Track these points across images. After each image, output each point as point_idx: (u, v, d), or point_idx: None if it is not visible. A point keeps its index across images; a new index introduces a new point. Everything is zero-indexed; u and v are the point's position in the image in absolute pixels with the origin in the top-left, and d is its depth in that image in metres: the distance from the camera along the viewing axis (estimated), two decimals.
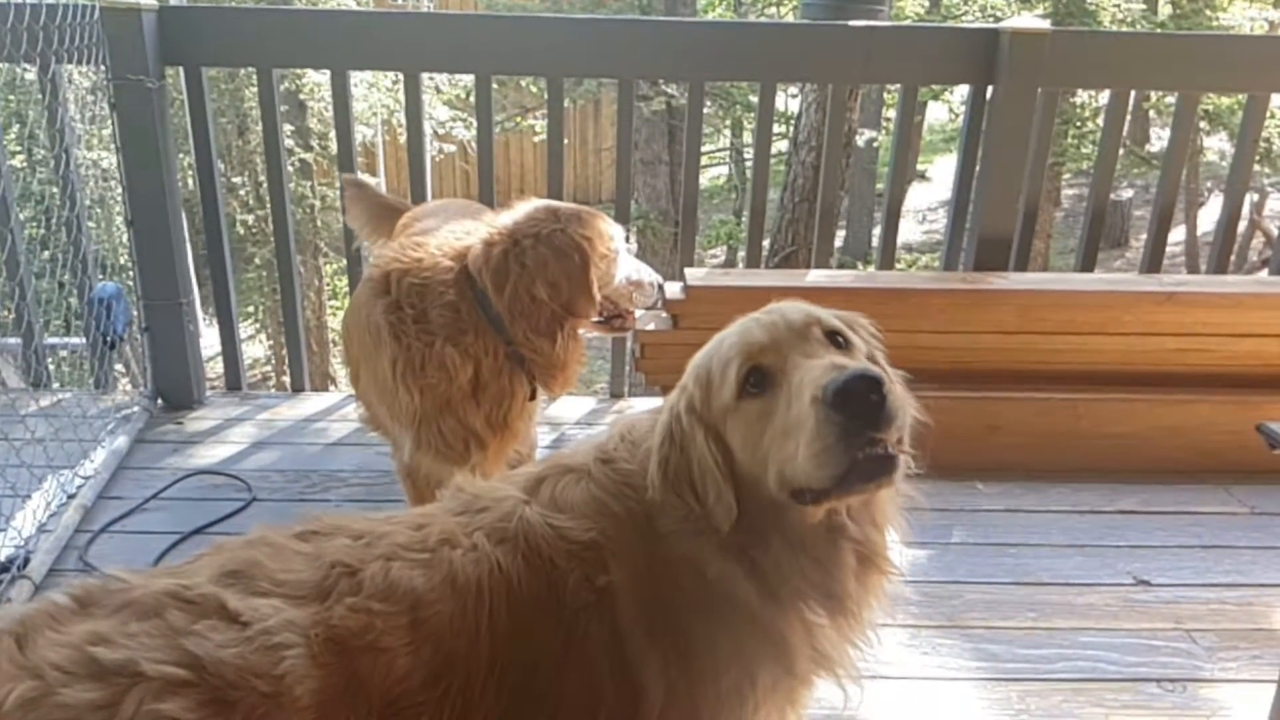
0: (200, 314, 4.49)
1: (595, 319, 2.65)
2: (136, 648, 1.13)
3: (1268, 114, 4.90)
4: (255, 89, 4.21)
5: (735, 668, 1.52)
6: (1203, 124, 12.02)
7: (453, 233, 2.60)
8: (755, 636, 1.54)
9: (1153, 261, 4.13)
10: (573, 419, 3.97)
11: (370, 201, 3.46)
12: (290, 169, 8.26)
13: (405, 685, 1.26)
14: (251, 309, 11.79)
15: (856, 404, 1.37)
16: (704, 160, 14.25)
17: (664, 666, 1.46)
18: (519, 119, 14.25)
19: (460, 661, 1.31)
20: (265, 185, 4.96)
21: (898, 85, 4.17)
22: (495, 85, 4.19)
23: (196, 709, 1.11)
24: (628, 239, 2.71)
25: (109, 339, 3.80)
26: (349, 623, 1.23)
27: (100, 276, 3.98)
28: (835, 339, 1.55)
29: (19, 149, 5.08)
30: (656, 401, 4.01)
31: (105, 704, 1.09)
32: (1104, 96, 4.77)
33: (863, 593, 1.68)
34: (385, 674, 1.24)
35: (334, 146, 4.38)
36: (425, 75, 4.48)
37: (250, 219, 10.44)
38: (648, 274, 2.71)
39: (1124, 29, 9.49)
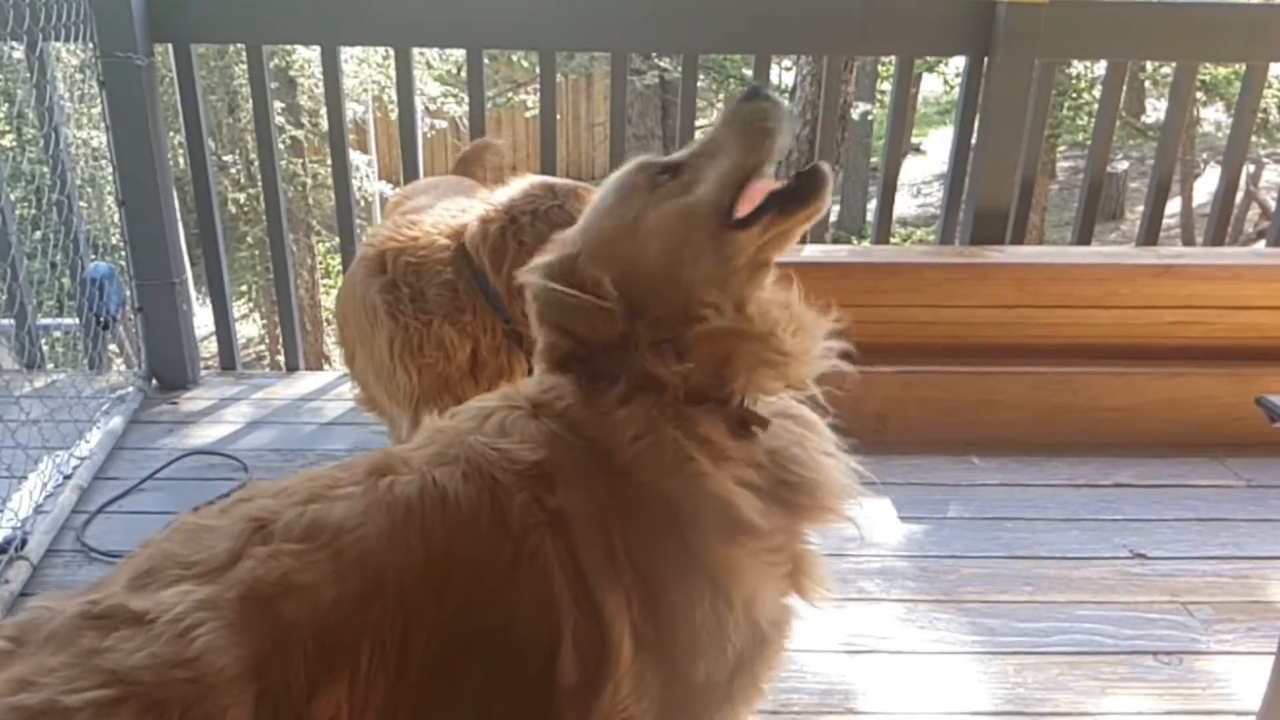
0: (193, 293, 4.48)
1: None
2: (56, 683, 1.10)
3: (1265, 84, 4.89)
4: (245, 66, 4.18)
5: (707, 596, 1.42)
6: (1199, 95, 12.00)
7: (448, 210, 2.58)
8: (723, 560, 1.44)
9: (1150, 234, 4.12)
10: None
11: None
12: (281, 146, 8.22)
13: (336, 614, 1.21)
14: (244, 288, 11.77)
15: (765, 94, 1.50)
16: (698, 134, 14.17)
17: (627, 602, 1.38)
18: (511, 94, 14.18)
19: (392, 579, 1.27)
20: (256, 163, 4.94)
21: (893, 57, 4.14)
22: (486, 60, 4.16)
23: (132, 711, 1.09)
24: None
25: (102, 319, 3.79)
26: (260, 573, 1.20)
27: (92, 256, 3.95)
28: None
29: (8, 128, 5.06)
30: None
31: None
32: (1100, 68, 4.74)
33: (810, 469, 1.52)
34: (311, 609, 1.20)
35: (325, 123, 4.35)
36: (416, 51, 4.44)
37: (242, 197, 10.41)
38: None
39: None
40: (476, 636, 1.31)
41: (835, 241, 11.96)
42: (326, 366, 10.14)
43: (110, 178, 3.80)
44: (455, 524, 1.33)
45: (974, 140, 3.98)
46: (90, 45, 3.56)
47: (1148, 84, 14.93)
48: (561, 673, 1.34)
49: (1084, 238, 4.13)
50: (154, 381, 3.97)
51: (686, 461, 1.42)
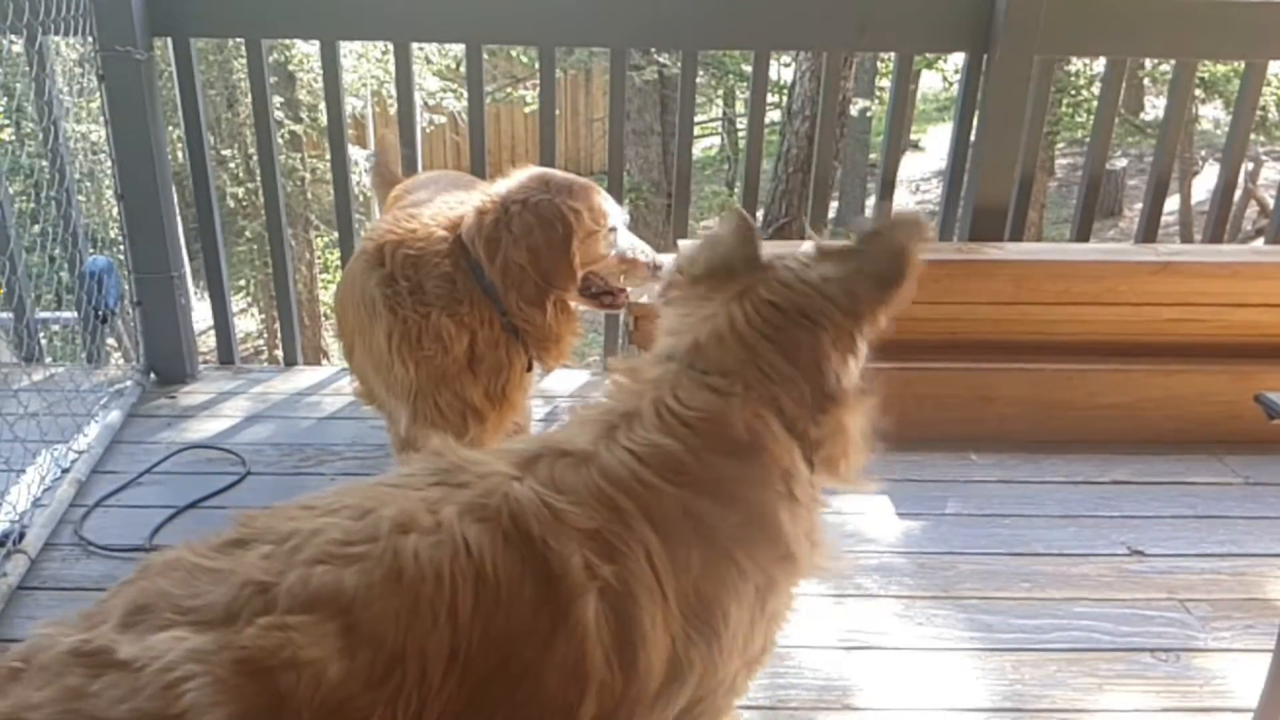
0: (192, 288, 4.47)
1: (584, 293, 2.61)
2: (50, 712, 1.08)
3: (1264, 82, 4.89)
4: (244, 60, 4.18)
5: (748, 616, 1.46)
6: (1198, 92, 12.00)
7: (446, 203, 2.58)
8: (771, 583, 1.49)
9: (1148, 231, 4.12)
10: (566, 392, 3.96)
11: (388, 177, 3.39)
12: (280, 141, 8.21)
13: (342, 690, 1.16)
14: (243, 282, 11.77)
15: None
16: (697, 130, 14.19)
17: (669, 636, 1.37)
18: (510, 89, 14.18)
19: (414, 656, 1.21)
20: (255, 158, 4.94)
21: (892, 54, 4.14)
22: (486, 55, 4.15)
23: None
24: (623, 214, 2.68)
25: (100, 313, 3.78)
26: (261, 642, 1.13)
27: (91, 250, 3.95)
28: None
29: (7, 122, 5.04)
30: None
31: None
32: (1099, 64, 4.74)
33: None
34: (314, 685, 1.14)
35: (324, 118, 4.35)
36: (415, 45, 4.44)
37: (241, 192, 10.41)
38: (645, 254, 2.66)
39: None
40: (499, 706, 1.27)
41: (834, 237, 11.95)
42: (325, 361, 10.14)
43: (109, 172, 3.79)
44: (491, 602, 1.26)
45: (973, 137, 3.97)
46: (89, 39, 3.55)
47: (1147, 81, 14.94)
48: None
49: (1083, 235, 4.13)
50: (152, 376, 3.96)
51: (779, 488, 1.48)
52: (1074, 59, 11.50)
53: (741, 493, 1.47)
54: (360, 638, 1.18)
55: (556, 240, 2.43)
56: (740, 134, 14.55)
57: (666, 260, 3.60)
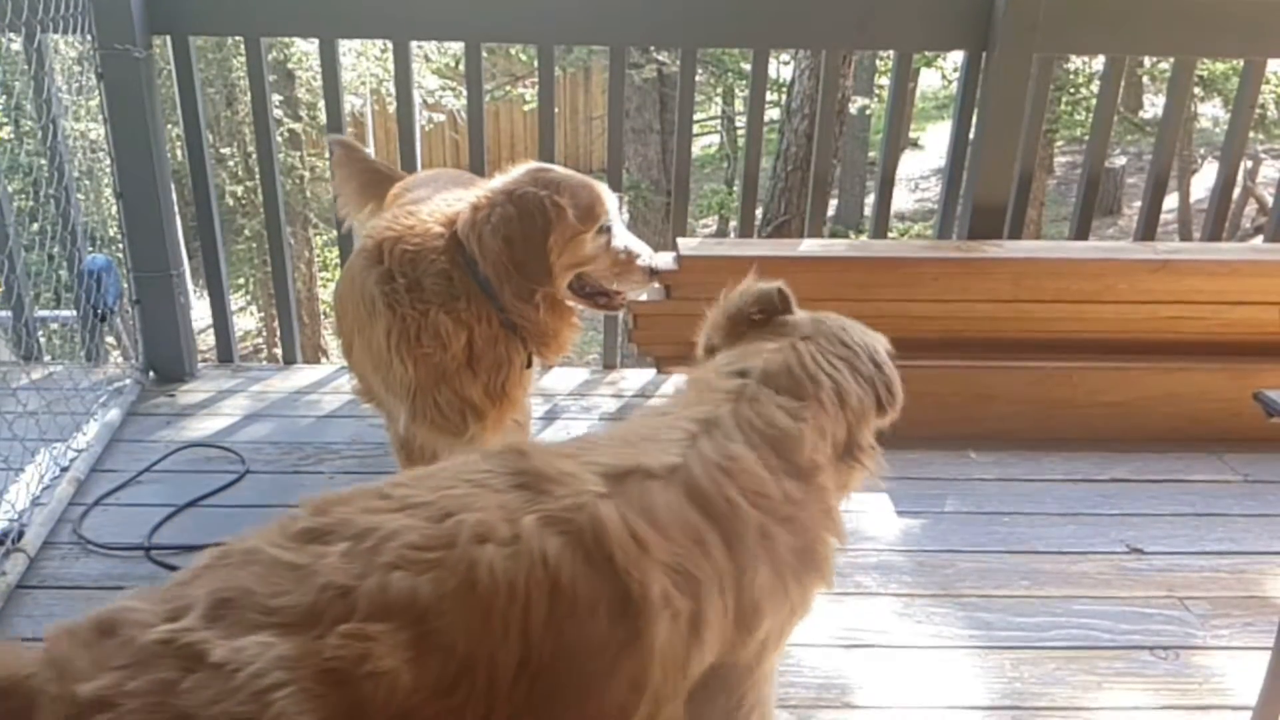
0: (191, 286, 4.46)
1: (577, 293, 2.58)
2: (134, 711, 1.11)
3: (1263, 80, 4.88)
4: (243, 58, 4.18)
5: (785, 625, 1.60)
6: (1197, 90, 12.00)
7: (445, 200, 2.57)
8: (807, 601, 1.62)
9: (1147, 229, 4.12)
10: (565, 390, 3.96)
11: (360, 166, 3.37)
12: (279, 139, 8.20)
13: (414, 699, 1.19)
14: (242, 281, 11.77)
15: None
16: (696, 129, 14.19)
17: (730, 652, 1.50)
18: (509, 88, 14.17)
19: (483, 664, 1.24)
20: (254, 156, 4.93)
21: (891, 52, 4.14)
22: (485, 53, 4.15)
23: None
24: (621, 211, 2.65)
25: (99, 311, 3.78)
26: (342, 652, 1.17)
27: (90, 249, 3.95)
28: None
29: (6, 121, 5.05)
30: (650, 373, 4.02)
31: None
32: (1098, 63, 4.73)
33: None
34: (389, 694, 1.18)
35: (323, 116, 4.35)
36: (414, 44, 4.44)
37: (240, 190, 10.41)
38: (642, 257, 2.58)
39: None
40: (563, 713, 1.31)
41: (833, 236, 11.98)
42: (324, 359, 10.14)
43: (108, 170, 3.78)
44: (565, 615, 1.29)
45: (972, 135, 3.98)
46: (88, 37, 3.55)
47: (1146, 79, 14.93)
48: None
49: (1082, 233, 4.12)
50: (151, 374, 3.96)
51: (826, 517, 1.61)
52: (1073, 57, 11.50)
53: (804, 520, 1.56)
54: (432, 647, 1.21)
55: (534, 234, 2.39)
56: (739, 132, 14.54)
57: (666, 259, 3.61)
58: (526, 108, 14.35)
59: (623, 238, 2.58)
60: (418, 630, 1.21)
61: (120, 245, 3.88)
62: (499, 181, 2.51)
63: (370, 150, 11.19)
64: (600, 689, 1.32)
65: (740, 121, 14.79)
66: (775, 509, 1.51)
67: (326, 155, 4.17)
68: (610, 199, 2.56)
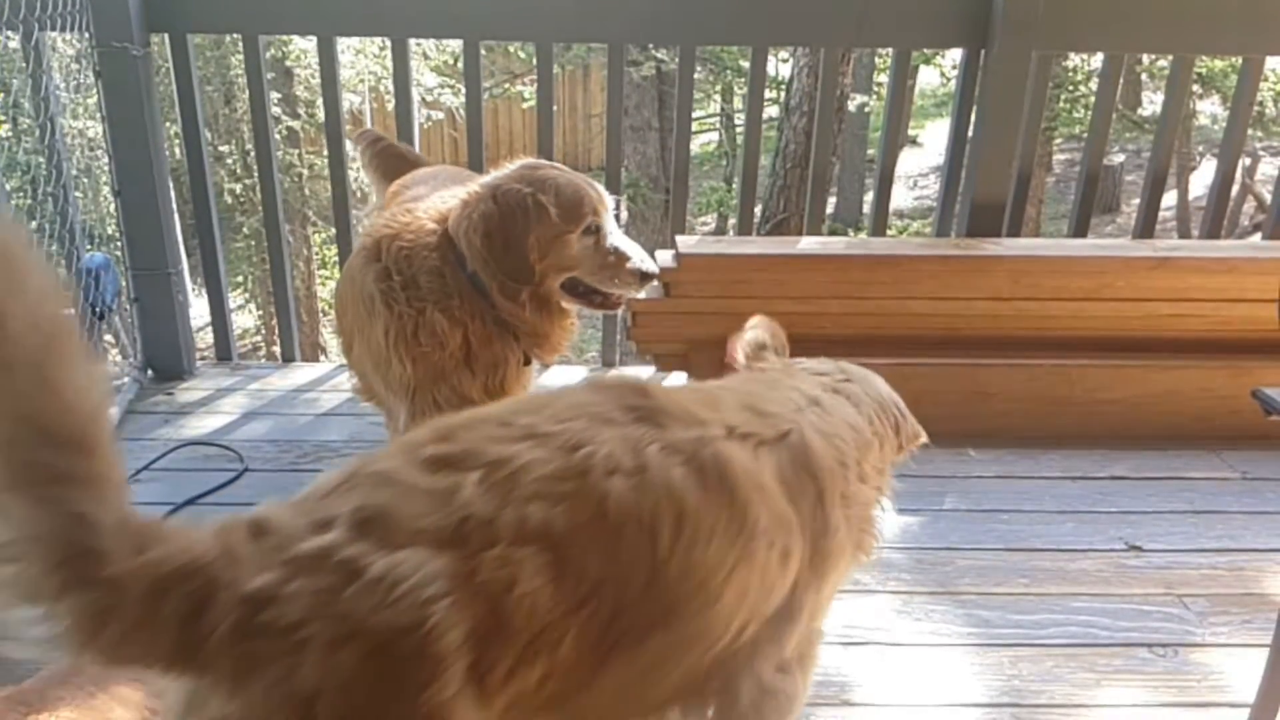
0: (189, 284, 4.46)
1: (571, 293, 2.54)
2: (299, 608, 1.18)
3: (1262, 77, 4.87)
4: (241, 56, 4.18)
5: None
6: (1196, 87, 12.00)
7: (441, 197, 2.56)
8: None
9: (1146, 226, 4.12)
10: None
11: (380, 149, 3.35)
12: (278, 137, 8.20)
13: (552, 614, 1.30)
14: (241, 279, 11.76)
15: None
16: (695, 126, 14.19)
17: (803, 590, 1.66)
18: (507, 85, 14.17)
19: (612, 585, 1.36)
20: (253, 154, 4.93)
21: (890, 49, 4.14)
22: (483, 51, 4.15)
23: (366, 659, 1.18)
24: (617, 213, 2.62)
25: (98, 310, 3.78)
26: (491, 574, 1.27)
27: (88, 247, 3.94)
28: None
29: (3, 118, 5.03)
30: (649, 371, 4.02)
31: (287, 654, 1.17)
32: (1097, 60, 4.74)
33: None
34: (530, 612, 1.28)
35: (321, 114, 4.35)
36: (413, 41, 4.43)
37: (238, 188, 10.40)
38: (635, 260, 2.53)
39: None
40: (683, 624, 1.44)
41: (832, 233, 11.96)
42: (322, 357, 10.12)
43: (106, 168, 3.78)
44: (690, 538, 1.41)
45: (971, 133, 3.98)
46: (86, 35, 3.55)
47: (1144, 76, 14.94)
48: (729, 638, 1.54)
49: (1080, 230, 4.13)
50: (150, 372, 3.96)
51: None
52: (1072, 55, 11.50)
53: (864, 496, 1.79)
54: (569, 571, 1.32)
55: (514, 232, 2.36)
56: (738, 130, 14.55)
57: (666, 257, 3.61)
58: (525, 105, 14.34)
59: (614, 239, 2.53)
60: (556, 555, 1.31)
61: (118, 243, 3.88)
62: (489, 178, 2.50)
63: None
64: (713, 603, 1.46)
65: (739, 119, 14.80)
66: (851, 480, 1.73)
67: (325, 154, 4.16)
68: (602, 199, 2.51)
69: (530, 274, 2.42)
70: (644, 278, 2.55)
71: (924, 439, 2.02)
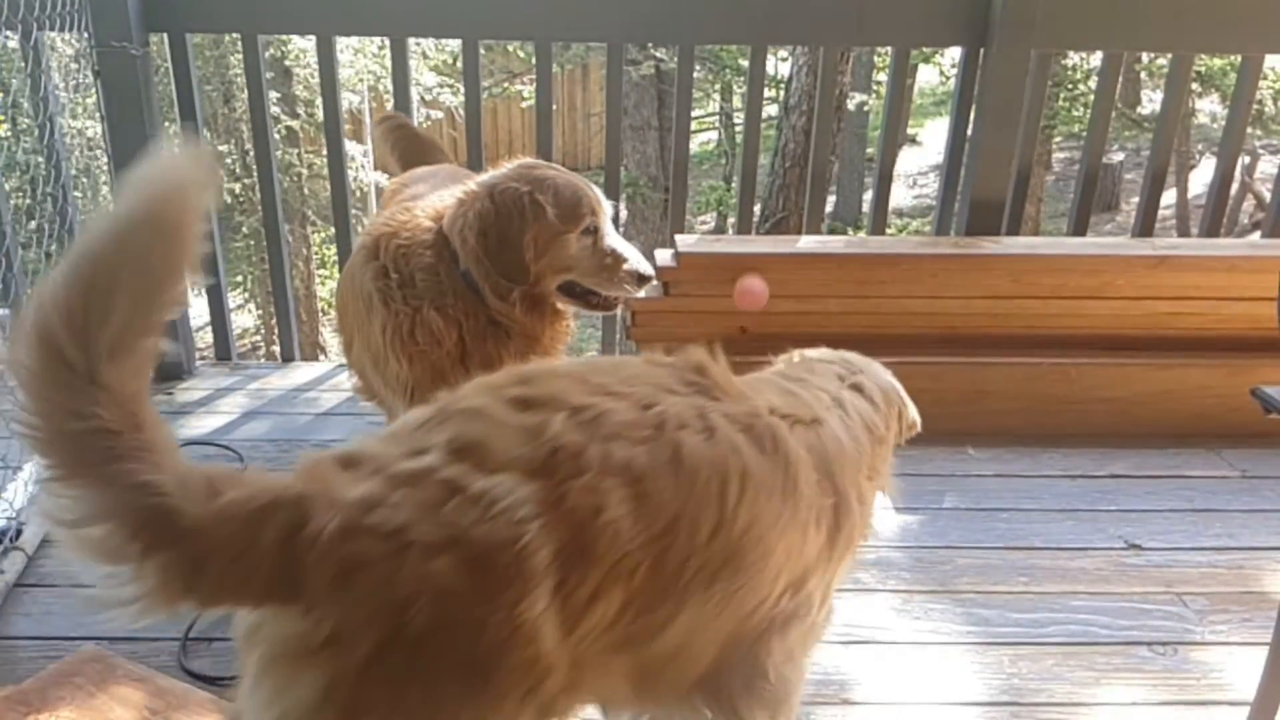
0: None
1: (567, 294, 2.53)
2: (404, 515, 1.27)
3: (1261, 76, 4.87)
4: (240, 56, 4.18)
5: None
6: (1195, 86, 12.00)
7: (439, 196, 2.56)
8: None
9: (1145, 225, 4.12)
10: None
11: (401, 134, 3.35)
12: (277, 137, 8.20)
13: (632, 544, 1.39)
14: (240, 278, 11.76)
15: None
16: (694, 125, 14.19)
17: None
18: (507, 85, 14.17)
19: (686, 523, 1.46)
20: (252, 153, 4.93)
21: (889, 48, 4.13)
22: (482, 51, 4.15)
23: (464, 567, 1.26)
24: (615, 214, 2.62)
25: None
26: (579, 501, 1.36)
27: None
28: None
29: (3, 118, 5.03)
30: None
31: (389, 558, 1.25)
32: (1096, 59, 4.74)
33: None
34: (613, 538, 1.38)
35: (321, 114, 4.35)
36: (412, 41, 4.43)
37: (237, 187, 10.39)
38: (630, 262, 2.52)
39: None
40: (745, 568, 1.55)
41: (831, 232, 11.96)
42: (322, 357, 10.13)
43: (105, 168, 3.78)
44: (753, 494, 1.53)
45: (970, 131, 3.98)
46: (85, 35, 3.54)
47: (1144, 75, 14.94)
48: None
49: (1079, 229, 4.12)
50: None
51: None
52: (1071, 53, 11.50)
53: (871, 493, 1.92)
54: (649, 504, 1.42)
55: (510, 231, 2.35)
56: (738, 129, 14.53)
57: (665, 256, 3.61)
58: (524, 104, 14.33)
59: (611, 240, 2.51)
60: (637, 490, 1.41)
61: None
62: (486, 177, 2.49)
63: (369, 150, 11.20)
64: (768, 556, 1.58)
65: (738, 118, 14.79)
66: (865, 459, 1.85)
67: (324, 153, 4.16)
68: (600, 200, 2.51)
69: (525, 273, 2.41)
70: (641, 279, 2.54)
71: (919, 427, 2.10)
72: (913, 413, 2.10)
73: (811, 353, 2.09)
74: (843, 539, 1.76)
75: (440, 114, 11.98)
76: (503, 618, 1.28)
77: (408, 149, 3.29)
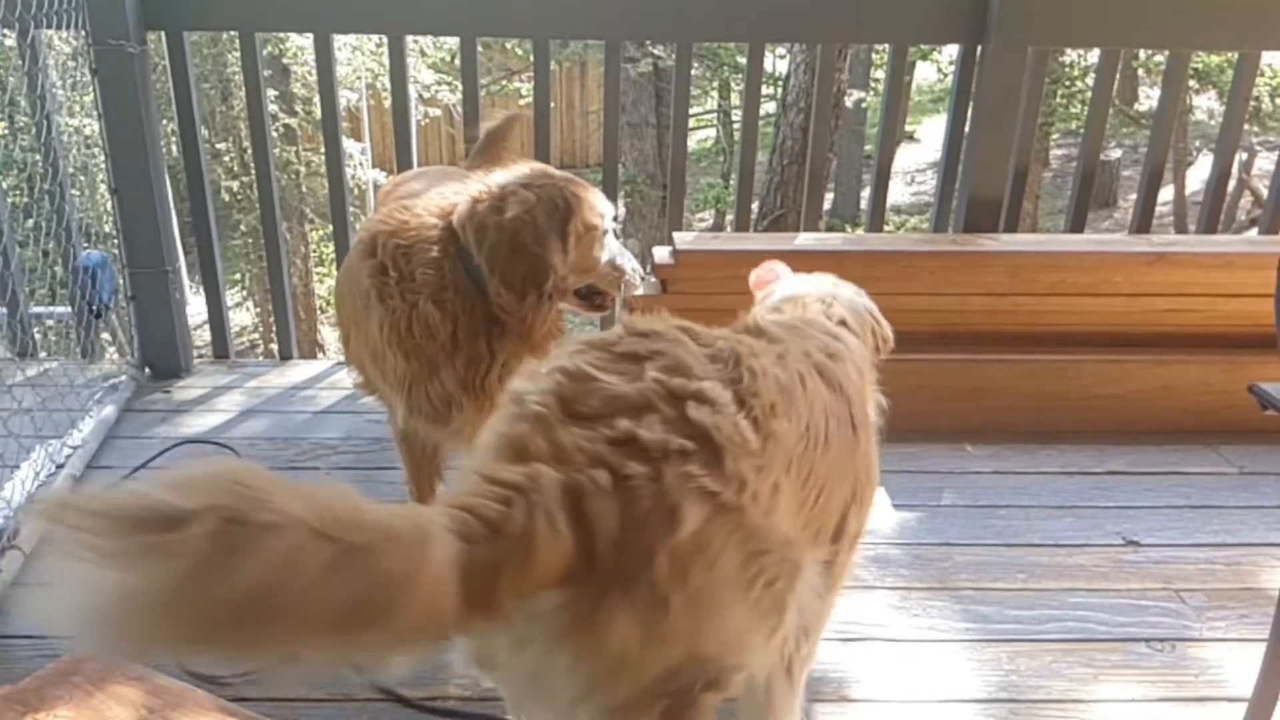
0: (186, 282, 4.45)
1: (574, 294, 2.58)
2: (658, 428, 1.38)
3: (1258, 72, 4.87)
4: (238, 53, 4.17)
5: None
6: (1192, 83, 12.01)
7: (441, 194, 2.56)
8: None
9: (1142, 222, 4.12)
10: None
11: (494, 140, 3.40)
12: (274, 134, 8.20)
13: (789, 442, 1.54)
14: (238, 276, 11.77)
15: None
16: (692, 123, 14.18)
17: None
18: (505, 82, 14.17)
19: (810, 435, 1.62)
20: (250, 151, 4.92)
21: (887, 45, 4.13)
22: (480, 48, 4.15)
23: (706, 468, 1.37)
24: (615, 216, 2.64)
25: (95, 308, 3.78)
26: (761, 405, 1.51)
27: (85, 245, 3.94)
28: None
29: (0, 117, 5.03)
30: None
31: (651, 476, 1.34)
32: (1093, 55, 4.74)
33: None
34: (780, 440, 1.52)
35: (318, 111, 4.35)
36: (410, 38, 4.43)
37: (235, 185, 10.40)
38: (630, 262, 2.61)
39: None
40: (837, 486, 1.72)
41: (829, 229, 11.97)
42: (320, 355, 10.13)
43: (103, 165, 3.78)
44: (835, 422, 1.70)
45: (967, 128, 3.97)
46: (82, 32, 3.54)
47: (1141, 72, 14.97)
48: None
49: (1077, 226, 4.13)
50: (147, 370, 3.96)
51: None
52: (1068, 50, 11.51)
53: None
54: (792, 411, 1.58)
55: (555, 219, 2.40)
56: (735, 126, 14.54)
57: (663, 253, 3.62)
58: (522, 102, 14.31)
59: (615, 244, 2.59)
60: (789, 400, 1.59)
61: (115, 241, 3.87)
62: (500, 177, 2.49)
63: (367, 148, 11.20)
64: (847, 475, 1.77)
65: (736, 115, 14.79)
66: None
67: (321, 151, 4.16)
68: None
69: (547, 272, 2.42)
70: (639, 280, 2.65)
71: (893, 342, 2.21)
72: (886, 329, 2.21)
73: (791, 287, 2.30)
74: (868, 468, 1.90)
75: (438, 111, 11.98)
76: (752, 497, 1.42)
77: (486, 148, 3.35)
